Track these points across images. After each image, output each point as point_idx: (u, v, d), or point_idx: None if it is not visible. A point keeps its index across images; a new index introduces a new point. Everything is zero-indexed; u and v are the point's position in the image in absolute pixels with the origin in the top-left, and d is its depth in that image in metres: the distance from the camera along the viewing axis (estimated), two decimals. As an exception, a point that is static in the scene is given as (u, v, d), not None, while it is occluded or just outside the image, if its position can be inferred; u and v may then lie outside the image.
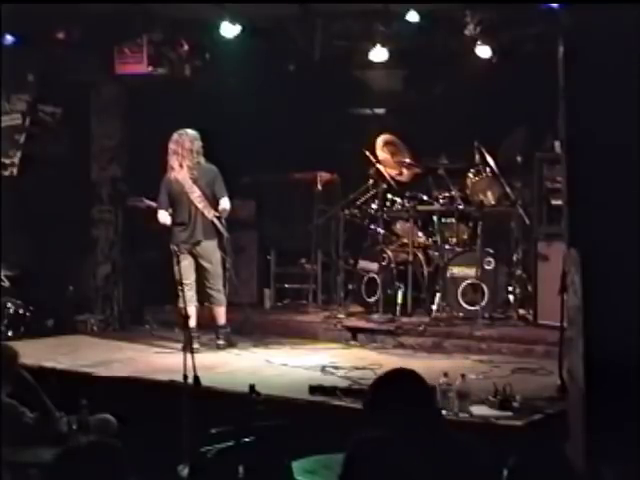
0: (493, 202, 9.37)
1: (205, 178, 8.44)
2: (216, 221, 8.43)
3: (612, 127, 5.10)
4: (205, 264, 8.46)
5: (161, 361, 7.93)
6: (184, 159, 8.41)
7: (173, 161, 8.43)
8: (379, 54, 9.23)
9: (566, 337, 5.78)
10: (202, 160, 8.49)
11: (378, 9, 8.75)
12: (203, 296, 8.61)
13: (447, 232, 9.54)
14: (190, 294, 8.30)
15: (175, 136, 8.46)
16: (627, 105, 5.06)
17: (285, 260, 10.49)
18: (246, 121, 10.14)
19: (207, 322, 8.67)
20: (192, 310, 8.27)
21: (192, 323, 8.14)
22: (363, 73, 10.57)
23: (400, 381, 3.69)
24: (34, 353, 7.78)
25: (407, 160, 9.90)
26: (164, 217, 8.46)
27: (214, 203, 8.45)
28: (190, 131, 8.48)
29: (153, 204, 8.51)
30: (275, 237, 10.53)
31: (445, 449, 3.45)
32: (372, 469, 3.30)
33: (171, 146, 8.45)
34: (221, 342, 8.53)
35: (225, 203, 8.42)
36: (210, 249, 8.47)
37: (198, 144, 8.46)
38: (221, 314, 8.56)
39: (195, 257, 8.46)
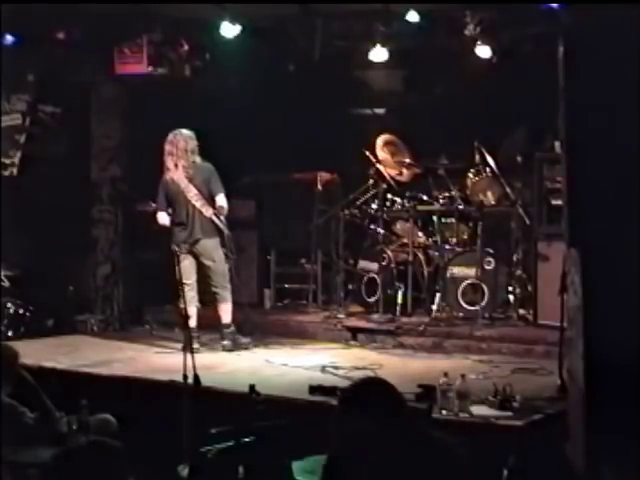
0: (493, 202, 9.37)
1: (200, 176, 8.42)
2: (215, 219, 8.38)
3: (612, 127, 5.10)
4: (207, 262, 8.44)
5: (161, 361, 7.93)
6: (179, 159, 8.41)
7: (169, 162, 8.44)
8: (379, 54, 9.23)
9: (566, 337, 5.78)
10: (198, 159, 8.48)
11: (378, 9, 8.75)
12: (207, 296, 8.59)
13: (447, 232, 9.54)
14: (191, 294, 8.31)
15: (170, 137, 8.46)
16: (627, 105, 5.06)
17: (285, 260, 10.48)
18: (246, 121, 10.14)
19: (207, 322, 8.66)
20: (193, 310, 8.28)
21: (192, 323, 8.16)
22: (363, 73, 10.57)
23: (368, 390, 3.69)
24: (34, 353, 7.78)
25: (407, 160, 9.90)
26: (163, 218, 8.46)
27: (212, 201, 8.44)
28: (185, 131, 8.47)
29: None
30: (275, 237, 10.53)
31: (422, 449, 3.44)
32: (357, 464, 3.30)
33: (166, 147, 8.45)
34: (226, 343, 8.44)
35: (221, 200, 8.37)
36: (210, 247, 8.43)
37: (193, 143, 8.45)
38: (226, 311, 8.48)
39: (196, 256, 8.45)
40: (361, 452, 3.34)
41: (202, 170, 8.45)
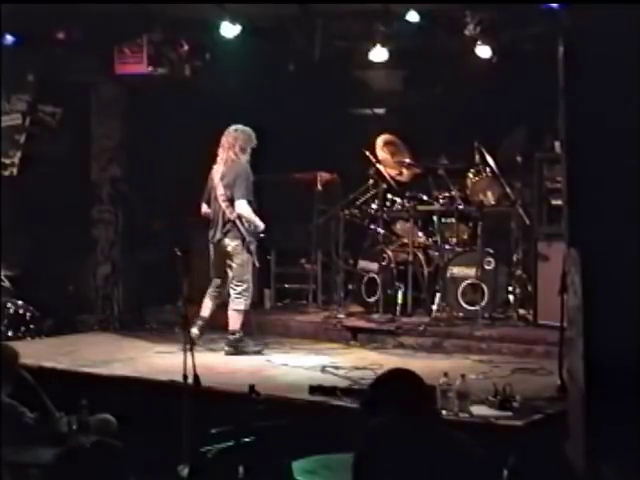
0: (493, 202, 9.37)
1: (229, 177, 8.26)
2: (238, 222, 8.23)
3: (612, 127, 5.10)
4: (229, 263, 8.33)
5: (161, 361, 7.93)
6: (223, 154, 8.33)
7: (218, 155, 8.40)
8: (379, 54, 9.24)
9: (566, 337, 5.78)
10: (243, 158, 8.31)
11: (378, 9, 8.75)
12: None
13: (447, 232, 9.54)
14: (214, 293, 8.41)
15: (226, 130, 8.39)
16: (627, 105, 5.06)
17: (285, 260, 10.47)
18: (246, 121, 10.13)
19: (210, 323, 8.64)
20: (208, 303, 8.40)
21: (205, 312, 8.39)
22: (363, 73, 10.58)
23: (397, 381, 3.70)
24: (34, 353, 7.78)
25: (407, 160, 9.90)
26: (203, 207, 8.48)
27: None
28: (241, 127, 8.36)
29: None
30: (275, 237, 10.51)
31: (442, 447, 3.46)
32: (385, 452, 3.31)
33: (221, 140, 8.40)
34: (226, 348, 8.32)
35: (238, 207, 8.20)
36: (230, 249, 8.28)
37: (243, 142, 8.30)
38: (231, 317, 8.31)
39: (222, 255, 8.38)
40: (388, 447, 3.35)
41: (233, 171, 8.27)
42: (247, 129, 8.39)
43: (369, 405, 3.68)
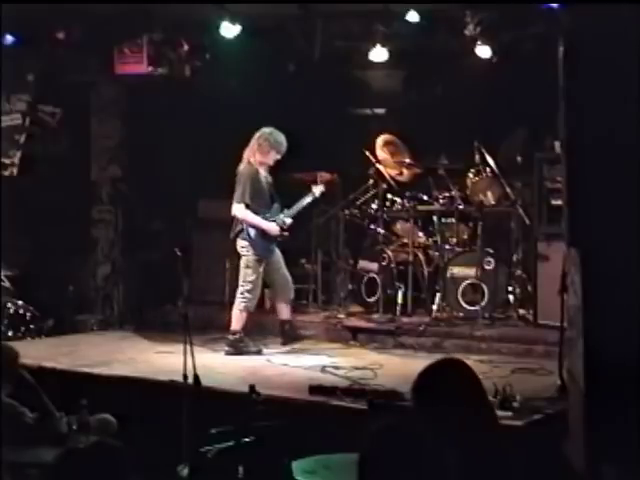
0: (493, 202, 9.37)
1: (237, 178, 8.36)
2: (245, 224, 8.33)
3: (612, 127, 5.10)
4: (240, 262, 8.44)
5: (161, 361, 7.93)
6: (245, 154, 8.39)
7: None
8: (379, 54, 9.24)
9: (566, 337, 5.79)
10: (259, 161, 8.37)
11: (378, 9, 8.76)
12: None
13: (447, 232, 9.54)
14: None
15: None
16: (627, 105, 5.06)
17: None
18: (246, 121, 10.14)
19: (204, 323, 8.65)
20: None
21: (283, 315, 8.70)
22: (363, 73, 10.58)
23: (451, 371, 3.67)
24: (34, 353, 7.79)
25: (407, 160, 9.89)
26: None
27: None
28: (268, 130, 8.43)
29: None
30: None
31: (478, 448, 3.43)
32: (391, 456, 3.29)
33: None
34: (226, 348, 8.36)
35: (233, 209, 8.30)
36: (238, 249, 8.40)
37: (263, 142, 8.37)
38: (233, 316, 8.39)
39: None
40: (397, 448, 3.32)
41: (241, 172, 8.36)
42: (275, 133, 8.43)
43: (417, 392, 3.62)
